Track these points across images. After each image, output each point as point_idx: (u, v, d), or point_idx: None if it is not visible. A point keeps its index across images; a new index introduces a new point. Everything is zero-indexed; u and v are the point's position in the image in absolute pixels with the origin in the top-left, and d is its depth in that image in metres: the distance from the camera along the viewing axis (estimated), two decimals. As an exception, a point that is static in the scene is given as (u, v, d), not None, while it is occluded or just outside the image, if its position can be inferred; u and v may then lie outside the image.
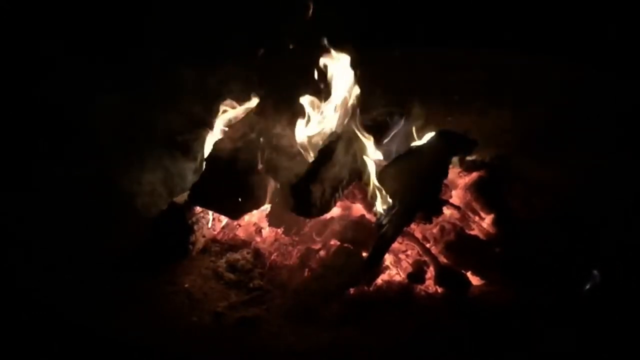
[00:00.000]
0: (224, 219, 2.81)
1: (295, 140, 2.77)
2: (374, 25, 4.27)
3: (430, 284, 2.45)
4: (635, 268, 2.39)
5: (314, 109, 2.84)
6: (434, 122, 3.15)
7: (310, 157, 2.69)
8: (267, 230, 2.75)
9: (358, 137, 2.68)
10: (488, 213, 2.72)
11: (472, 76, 4.29)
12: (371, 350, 2.13)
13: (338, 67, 2.82)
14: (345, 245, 2.53)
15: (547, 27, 4.67)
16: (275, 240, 2.68)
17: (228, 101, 3.00)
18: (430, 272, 2.48)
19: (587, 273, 2.33)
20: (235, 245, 2.72)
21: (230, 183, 2.63)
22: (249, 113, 2.90)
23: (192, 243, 2.64)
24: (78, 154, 3.36)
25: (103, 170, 3.12)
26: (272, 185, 2.73)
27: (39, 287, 2.37)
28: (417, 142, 2.91)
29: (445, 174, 2.72)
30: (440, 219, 2.61)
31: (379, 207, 2.58)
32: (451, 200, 2.76)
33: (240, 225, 2.83)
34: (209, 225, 2.73)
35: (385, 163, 2.74)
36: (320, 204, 2.47)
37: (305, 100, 2.82)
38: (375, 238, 2.44)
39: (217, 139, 2.81)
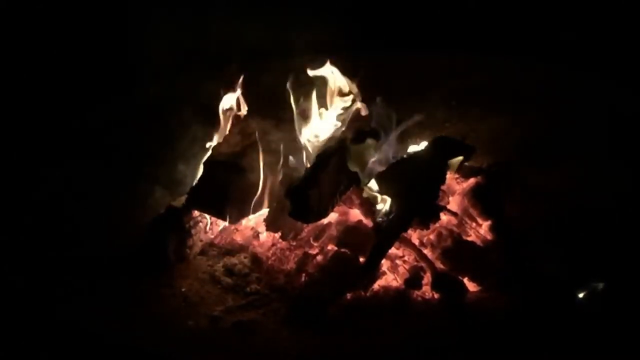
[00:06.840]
0: (222, 223, 2.81)
1: (294, 145, 2.77)
2: (372, 29, 4.28)
3: (427, 290, 2.45)
4: (634, 275, 2.39)
5: (313, 113, 2.84)
6: (431, 127, 3.15)
7: (309, 161, 2.70)
8: (264, 235, 2.75)
9: (356, 142, 2.68)
10: (485, 219, 2.72)
11: (470, 81, 4.29)
12: (367, 355, 2.13)
13: (336, 73, 2.83)
14: (343, 250, 2.53)
15: (546, 33, 4.67)
16: (273, 244, 2.67)
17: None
18: (427, 277, 2.48)
19: (585, 281, 2.34)
20: (233, 249, 2.71)
21: (228, 187, 2.63)
22: (245, 117, 2.90)
23: (189, 247, 2.64)
24: (77, 155, 3.36)
25: (103, 171, 3.12)
26: (270, 189, 2.73)
27: (36, 289, 2.37)
28: (415, 148, 2.92)
29: (443, 180, 2.72)
30: (437, 224, 2.62)
31: (377, 212, 2.58)
32: (448, 206, 2.76)
33: (237, 230, 2.82)
34: (207, 229, 2.73)
35: (382, 168, 2.74)
36: (318, 208, 2.47)
37: (306, 104, 2.83)
38: (373, 243, 2.44)
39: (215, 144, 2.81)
